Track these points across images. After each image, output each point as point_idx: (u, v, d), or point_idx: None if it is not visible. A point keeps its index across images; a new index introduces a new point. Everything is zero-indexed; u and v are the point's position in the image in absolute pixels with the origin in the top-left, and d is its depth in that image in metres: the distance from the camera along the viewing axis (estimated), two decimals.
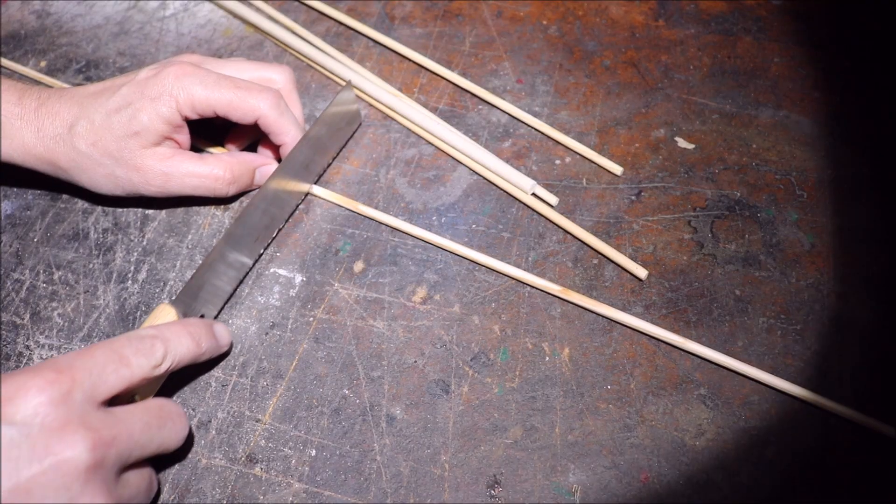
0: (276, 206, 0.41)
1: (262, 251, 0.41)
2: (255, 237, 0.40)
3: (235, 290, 0.40)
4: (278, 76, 0.42)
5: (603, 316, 0.38)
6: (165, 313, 0.35)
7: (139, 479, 0.30)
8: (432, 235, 0.41)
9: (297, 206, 0.43)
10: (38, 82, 0.49)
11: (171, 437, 0.31)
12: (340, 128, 0.44)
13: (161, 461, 0.34)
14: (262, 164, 0.43)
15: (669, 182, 0.43)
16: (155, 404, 0.31)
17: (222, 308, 0.39)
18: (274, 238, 0.41)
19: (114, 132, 0.38)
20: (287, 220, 0.42)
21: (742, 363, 0.35)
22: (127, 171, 0.39)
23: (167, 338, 0.32)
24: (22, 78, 0.50)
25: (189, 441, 0.35)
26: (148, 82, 0.38)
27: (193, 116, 0.39)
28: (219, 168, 0.40)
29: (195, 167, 0.40)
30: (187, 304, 0.36)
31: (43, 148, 0.38)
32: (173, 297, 0.38)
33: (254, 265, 0.40)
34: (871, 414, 0.34)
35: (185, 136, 0.40)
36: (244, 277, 0.40)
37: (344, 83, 0.48)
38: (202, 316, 0.37)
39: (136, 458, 0.29)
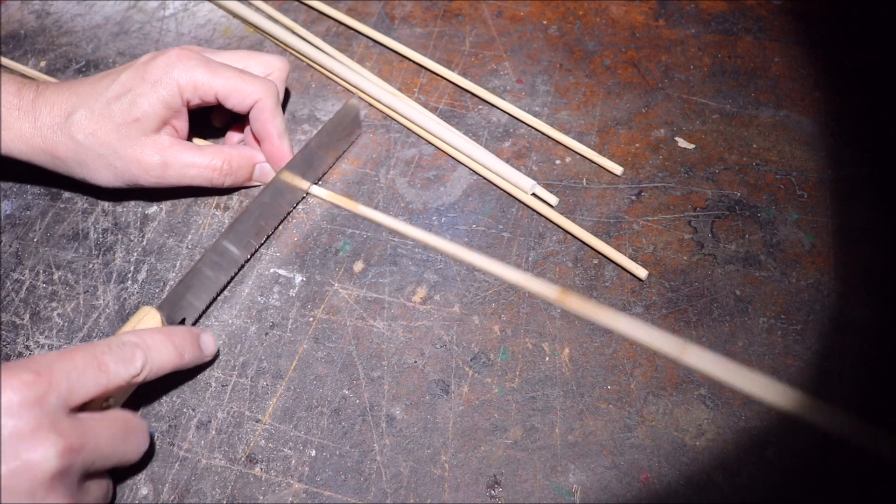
0: (273, 209, 0.40)
1: (249, 256, 0.40)
2: (245, 242, 0.39)
3: (219, 293, 0.39)
4: (276, 63, 0.43)
5: (600, 324, 0.38)
6: (150, 317, 0.34)
7: (98, 489, 0.30)
8: (430, 237, 0.41)
9: (291, 210, 0.43)
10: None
11: (132, 451, 0.31)
12: (341, 137, 0.44)
13: (159, 460, 0.34)
14: (262, 160, 0.42)
15: (669, 182, 0.43)
16: (122, 417, 0.31)
17: (208, 307, 0.39)
18: (263, 243, 0.41)
19: (114, 120, 0.38)
20: (280, 223, 0.42)
21: (741, 368, 0.35)
22: (125, 162, 0.38)
23: (149, 346, 0.32)
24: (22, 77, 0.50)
25: (149, 452, 0.34)
26: (148, 67, 0.38)
27: (195, 100, 0.39)
28: (217, 159, 0.40)
29: (194, 157, 0.40)
30: (172, 307, 0.36)
31: (41, 138, 0.38)
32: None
33: (239, 270, 0.40)
34: (871, 414, 0.34)
35: (183, 123, 0.40)
36: (229, 282, 0.40)
37: (345, 85, 0.48)
38: (184, 320, 0.37)
39: (98, 467, 0.29)
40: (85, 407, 0.30)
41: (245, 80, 0.39)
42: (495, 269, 0.39)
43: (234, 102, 0.40)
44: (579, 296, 0.38)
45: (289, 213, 0.42)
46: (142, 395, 0.35)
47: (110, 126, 0.38)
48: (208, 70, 0.39)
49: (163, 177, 0.39)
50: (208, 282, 0.38)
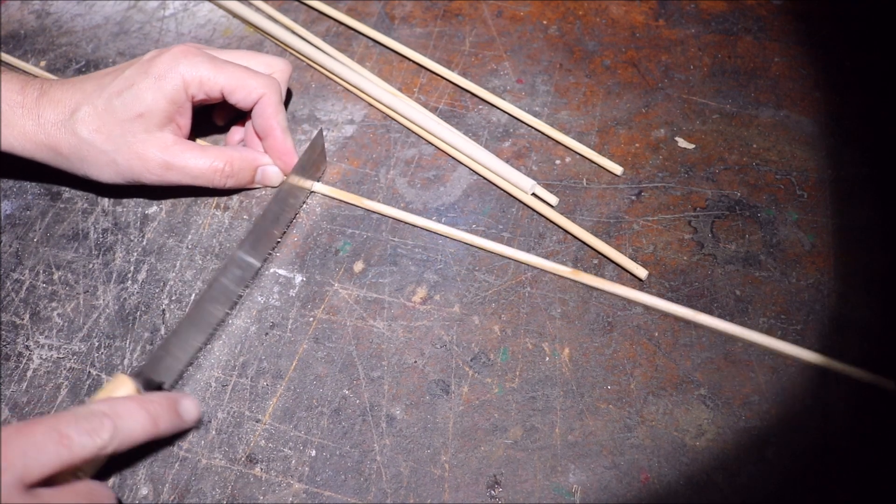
0: (247, 268, 0.39)
1: (235, 300, 0.39)
2: (230, 294, 0.38)
3: (199, 352, 0.38)
4: (278, 64, 0.43)
5: (618, 296, 0.38)
6: (123, 385, 0.32)
7: None
8: (437, 225, 0.41)
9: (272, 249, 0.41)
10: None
11: None
12: (310, 174, 0.43)
13: (160, 460, 0.34)
14: (265, 163, 0.42)
15: (670, 182, 0.43)
16: (85, 489, 0.29)
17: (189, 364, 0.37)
18: (254, 279, 0.40)
19: (117, 116, 0.38)
20: (251, 282, 0.40)
21: (754, 333, 0.36)
22: (128, 159, 0.38)
23: (119, 415, 0.30)
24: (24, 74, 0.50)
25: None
26: (152, 62, 0.38)
27: (200, 96, 0.39)
28: (219, 160, 0.40)
29: (196, 159, 0.40)
30: (149, 374, 0.34)
31: (44, 135, 0.38)
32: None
33: (223, 320, 0.39)
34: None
35: (186, 121, 0.40)
36: (210, 338, 0.38)
37: (345, 85, 0.48)
38: (162, 384, 0.35)
39: None
40: (51, 479, 0.28)
41: (250, 76, 0.39)
42: (504, 251, 0.39)
43: (239, 98, 0.40)
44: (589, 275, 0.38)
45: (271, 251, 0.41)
46: None
47: (114, 122, 0.38)
48: (213, 66, 0.39)
49: (164, 176, 0.39)
50: (188, 341, 0.36)
